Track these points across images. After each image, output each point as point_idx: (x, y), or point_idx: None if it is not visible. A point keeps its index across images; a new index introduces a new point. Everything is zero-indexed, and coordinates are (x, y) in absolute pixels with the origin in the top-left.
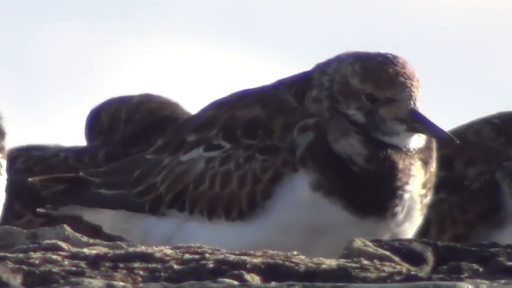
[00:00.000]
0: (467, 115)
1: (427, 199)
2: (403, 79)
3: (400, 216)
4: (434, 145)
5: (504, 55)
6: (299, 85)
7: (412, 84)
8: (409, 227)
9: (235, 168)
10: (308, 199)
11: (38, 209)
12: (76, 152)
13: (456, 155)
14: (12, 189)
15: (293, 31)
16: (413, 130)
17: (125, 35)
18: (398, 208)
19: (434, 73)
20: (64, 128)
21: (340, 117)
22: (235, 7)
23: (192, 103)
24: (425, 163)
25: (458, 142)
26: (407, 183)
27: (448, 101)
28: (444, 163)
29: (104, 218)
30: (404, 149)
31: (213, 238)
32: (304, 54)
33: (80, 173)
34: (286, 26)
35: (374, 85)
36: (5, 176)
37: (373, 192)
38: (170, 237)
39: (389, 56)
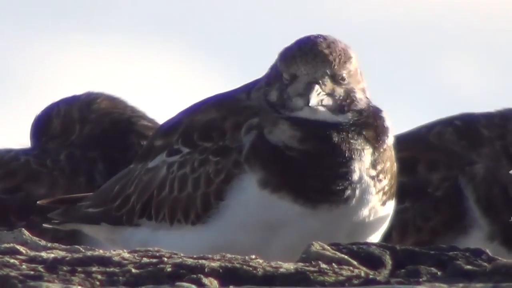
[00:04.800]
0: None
1: (383, 184)
2: (304, 55)
3: (353, 201)
4: (382, 124)
5: (442, 54)
6: (254, 83)
7: (314, 59)
8: (370, 216)
9: (191, 171)
10: (257, 198)
11: (44, 225)
12: (36, 155)
13: (418, 157)
14: None
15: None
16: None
17: (47, 37)
18: (348, 191)
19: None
20: None
21: (266, 100)
22: (180, 10)
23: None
24: (370, 141)
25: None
26: (350, 159)
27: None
28: (407, 166)
29: (97, 231)
30: (335, 124)
31: (176, 243)
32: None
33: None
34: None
35: (285, 64)
36: None
37: (316, 174)
38: (145, 246)
39: (311, 36)
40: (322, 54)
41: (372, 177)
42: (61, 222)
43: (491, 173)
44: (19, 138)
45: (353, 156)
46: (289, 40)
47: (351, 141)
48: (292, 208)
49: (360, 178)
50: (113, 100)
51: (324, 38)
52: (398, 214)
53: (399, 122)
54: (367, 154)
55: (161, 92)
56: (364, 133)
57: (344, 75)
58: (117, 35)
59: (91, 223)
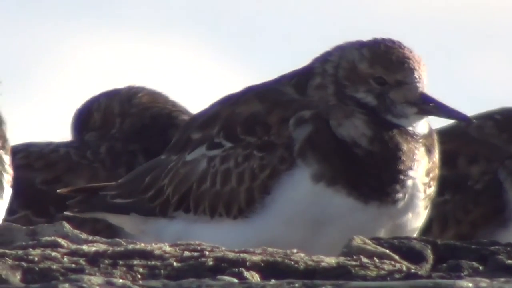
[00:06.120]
0: None
1: (431, 190)
2: (412, 62)
3: (402, 203)
4: (435, 135)
5: (477, 54)
6: (299, 76)
7: (419, 68)
8: (412, 218)
9: (235, 166)
10: (310, 192)
11: (65, 212)
12: (76, 147)
13: (459, 151)
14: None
15: (261, 43)
16: (425, 112)
17: (74, 32)
18: (400, 194)
19: None
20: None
21: (347, 101)
22: (200, 5)
23: None
24: (429, 150)
25: (474, 121)
26: (410, 168)
27: None
28: (447, 159)
29: (124, 221)
30: (410, 132)
31: (216, 237)
32: (264, 66)
33: (100, 184)
34: (254, 34)
35: (384, 69)
36: (10, 172)
37: (376, 174)
38: (179, 239)
39: (395, 41)
40: (422, 62)
41: (424, 184)
42: (83, 210)
43: None
44: (52, 132)
45: (413, 166)
46: (311, 34)
47: (416, 151)
48: (345, 202)
49: (414, 184)
50: (154, 95)
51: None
52: (438, 206)
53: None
54: (424, 163)
55: (181, 83)
56: (426, 143)
57: None
58: (139, 29)
59: (119, 213)
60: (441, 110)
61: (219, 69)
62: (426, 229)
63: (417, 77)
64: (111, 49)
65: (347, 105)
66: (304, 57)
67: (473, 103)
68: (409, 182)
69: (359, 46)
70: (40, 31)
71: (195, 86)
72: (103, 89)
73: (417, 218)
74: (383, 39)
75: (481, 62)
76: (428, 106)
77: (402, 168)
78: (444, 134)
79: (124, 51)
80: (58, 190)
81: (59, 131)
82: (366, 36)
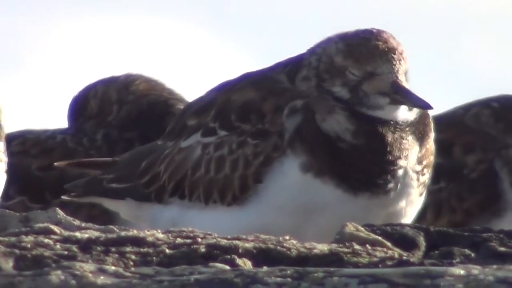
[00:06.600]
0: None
1: (425, 177)
2: (383, 52)
3: (394, 193)
4: (429, 120)
5: (469, 38)
6: (292, 65)
7: (393, 57)
8: (407, 206)
9: (229, 153)
10: (299, 181)
11: (63, 197)
12: (73, 134)
13: (454, 140)
14: (8, 172)
15: (261, 26)
16: (396, 102)
17: (72, 17)
18: (391, 184)
19: None
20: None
21: (325, 95)
22: None
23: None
24: (420, 137)
25: (433, 108)
26: (399, 157)
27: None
28: (443, 148)
29: (120, 206)
30: (392, 122)
31: (211, 224)
32: (268, 49)
33: (99, 159)
34: (257, 17)
35: (356, 61)
36: (4, 158)
37: (363, 167)
38: (174, 224)
39: (373, 31)
40: (398, 51)
41: (417, 172)
42: (81, 194)
43: None
44: (48, 119)
45: (402, 155)
46: (316, 18)
47: (403, 141)
48: (334, 193)
49: (405, 174)
50: (151, 83)
51: (386, 32)
52: (433, 194)
53: None
54: (415, 152)
55: (182, 69)
56: (416, 131)
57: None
58: (139, 14)
59: (114, 198)
60: (407, 98)
61: (221, 54)
62: (420, 216)
63: (388, 67)
64: (109, 35)
65: (327, 100)
66: (307, 41)
67: (472, 89)
68: (400, 172)
69: (338, 39)
70: (36, 17)
71: (197, 72)
72: (101, 75)
73: (411, 206)
74: (363, 31)
75: (482, 47)
76: (398, 95)
77: (390, 158)
78: (439, 123)
79: (123, 36)
80: (55, 163)
81: (56, 118)
82: (362, 20)
